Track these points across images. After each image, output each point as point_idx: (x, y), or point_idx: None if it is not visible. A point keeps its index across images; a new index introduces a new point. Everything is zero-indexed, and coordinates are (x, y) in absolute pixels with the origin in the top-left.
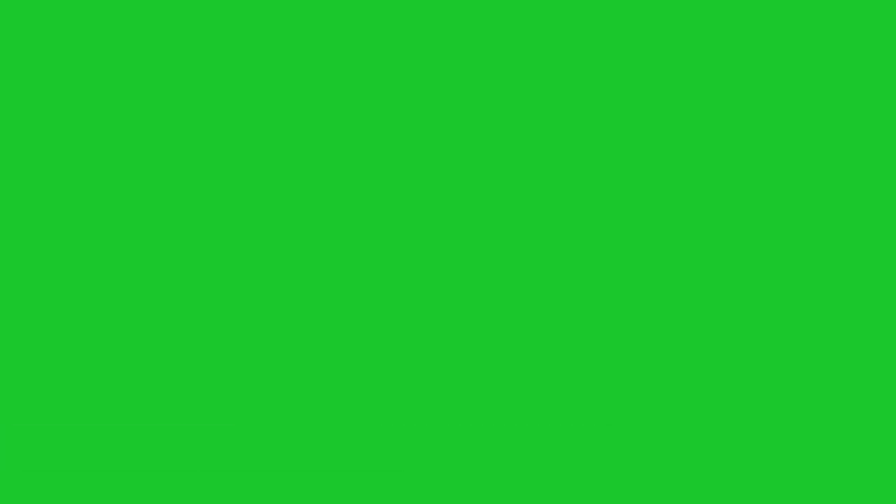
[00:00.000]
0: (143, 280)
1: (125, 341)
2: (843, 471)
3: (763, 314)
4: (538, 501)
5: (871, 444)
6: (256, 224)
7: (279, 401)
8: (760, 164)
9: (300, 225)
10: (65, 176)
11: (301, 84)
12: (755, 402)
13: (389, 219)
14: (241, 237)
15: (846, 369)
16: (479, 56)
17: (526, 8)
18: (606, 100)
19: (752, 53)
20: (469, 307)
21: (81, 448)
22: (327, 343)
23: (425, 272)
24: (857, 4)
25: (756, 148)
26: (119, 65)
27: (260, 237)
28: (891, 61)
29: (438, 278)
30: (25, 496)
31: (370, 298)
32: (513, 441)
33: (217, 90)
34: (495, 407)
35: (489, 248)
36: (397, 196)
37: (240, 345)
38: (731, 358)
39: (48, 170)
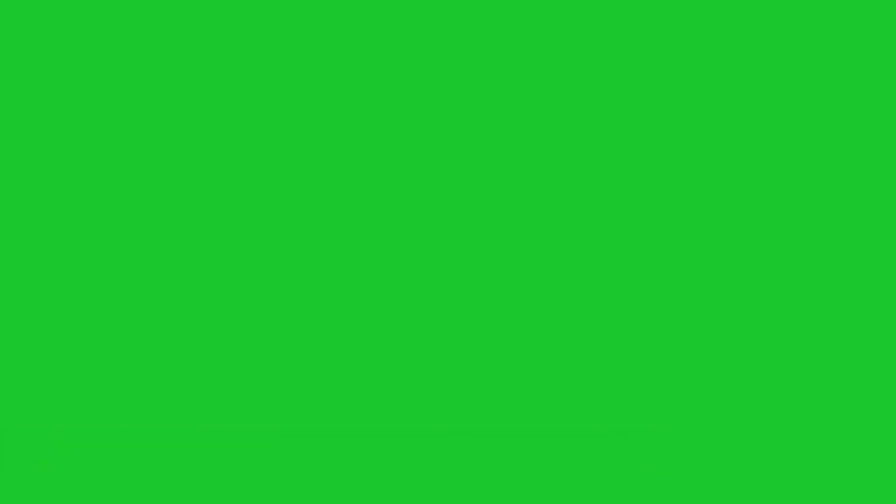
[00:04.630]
0: (143, 280)
1: (125, 341)
2: (843, 471)
3: (763, 314)
4: (536, 501)
5: (871, 444)
6: (256, 224)
7: (279, 401)
8: (760, 165)
9: (300, 225)
10: (65, 176)
11: (301, 84)
12: (755, 402)
13: (389, 219)
14: (240, 237)
15: (846, 369)
16: (479, 56)
17: (526, 8)
18: (606, 100)
19: (752, 53)
20: (469, 307)
21: (81, 448)
22: (327, 343)
23: (425, 272)
24: (857, 4)
25: (756, 148)
26: (119, 65)
27: (260, 237)
28: (891, 61)
29: (438, 278)
30: (25, 496)
31: (370, 298)
32: (512, 441)
33: (217, 90)
34: (495, 407)
35: (489, 248)
36: (397, 196)
37: (240, 345)
38: (731, 357)
39: (48, 170)
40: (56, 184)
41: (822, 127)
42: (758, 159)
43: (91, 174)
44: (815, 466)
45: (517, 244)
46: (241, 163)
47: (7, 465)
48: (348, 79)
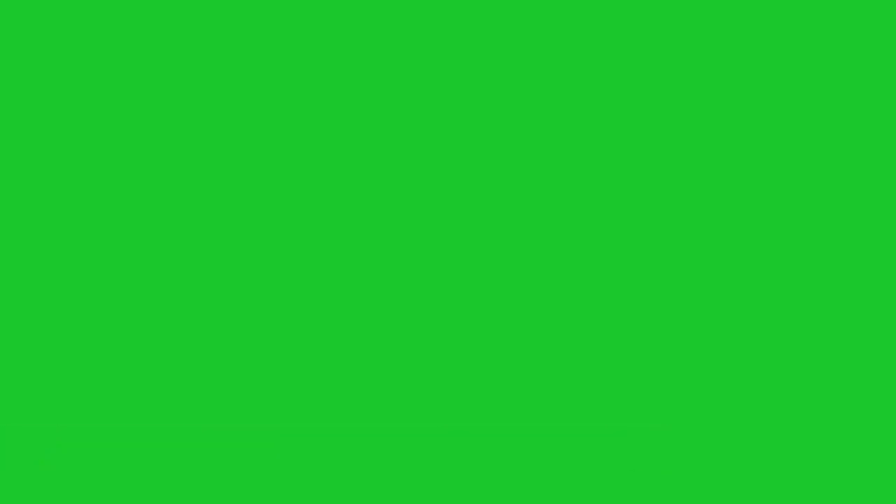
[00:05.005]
0: (143, 280)
1: (125, 341)
2: (843, 471)
3: (763, 314)
4: (536, 501)
5: (870, 444)
6: (256, 224)
7: (279, 400)
8: (760, 165)
9: (300, 225)
10: (65, 176)
11: (301, 84)
12: (755, 402)
13: (389, 219)
14: (241, 237)
15: (846, 369)
16: (479, 56)
17: (526, 8)
18: (606, 100)
19: (752, 53)
20: (468, 307)
21: (81, 448)
22: (327, 342)
23: (425, 272)
24: (857, 4)
25: (756, 148)
26: (119, 65)
27: (260, 237)
28: (891, 61)
29: (438, 278)
30: (25, 496)
31: (370, 298)
32: (512, 441)
33: (217, 90)
34: (495, 407)
35: (489, 249)
36: (397, 196)
37: (240, 345)
38: (731, 357)
39: (48, 170)
40: (56, 184)
41: (822, 127)
42: (758, 159)
43: (91, 174)
44: (815, 466)
45: (517, 244)
46: (241, 163)
47: (7, 465)
48: (348, 79)
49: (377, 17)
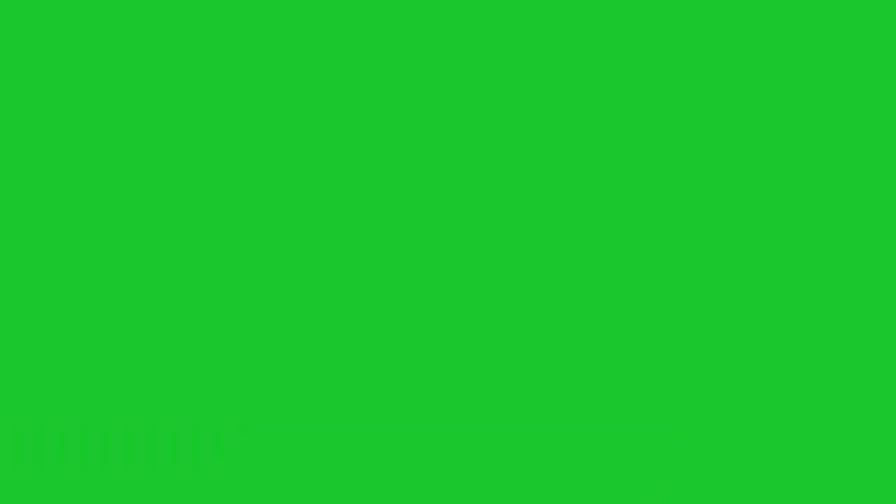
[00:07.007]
0: (143, 280)
1: (125, 341)
2: (843, 471)
3: (763, 314)
4: (536, 501)
5: (871, 444)
6: (256, 224)
7: (278, 400)
8: (760, 164)
9: (300, 225)
10: (65, 176)
11: (301, 84)
12: (755, 402)
13: (389, 220)
14: (240, 237)
15: (846, 369)
16: (479, 56)
17: (526, 8)
18: (606, 100)
19: (752, 53)
20: (468, 307)
21: (81, 448)
22: (326, 343)
23: (425, 272)
24: (857, 4)
25: (756, 148)
26: (119, 65)
27: (260, 237)
28: (891, 61)
29: (438, 278)
30: (25, 496)
31: (370, 298)
32: (512, 442)
33: (217, 90)
34: (495, 407)
35: (489, 248)
36: (397, 197)
37: (240, 345)
38: (731, 358)
39: (48, 170)
40: (56, 184)
41: (822, 127)
42: (758, 159)
43: (90, 174)
44: (816, 467)
45: (518, 245)
46: (241, 163)
47: (7, 464)
48: (348, 79)
49: (377, 18)
